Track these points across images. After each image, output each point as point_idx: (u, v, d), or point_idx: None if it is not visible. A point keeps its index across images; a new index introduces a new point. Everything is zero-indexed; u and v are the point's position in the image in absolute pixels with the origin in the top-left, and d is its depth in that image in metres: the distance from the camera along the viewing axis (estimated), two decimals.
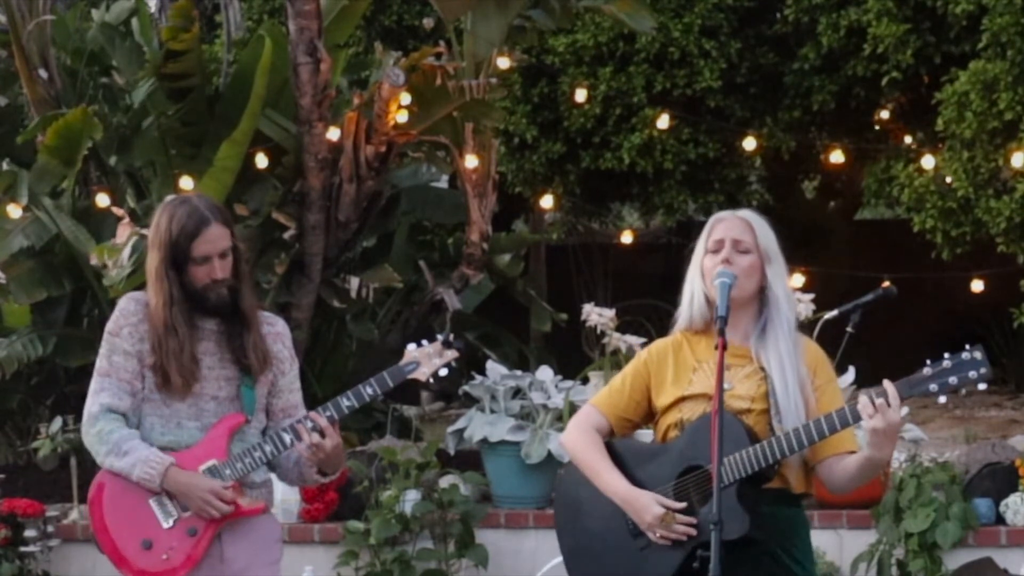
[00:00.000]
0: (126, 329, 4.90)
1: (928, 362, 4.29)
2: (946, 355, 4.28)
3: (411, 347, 5.06)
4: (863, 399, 4.30)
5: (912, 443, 7.91)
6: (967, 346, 4.28)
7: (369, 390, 4.93)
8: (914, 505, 7.44)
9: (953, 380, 4.25)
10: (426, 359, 5.02)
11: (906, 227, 11.53)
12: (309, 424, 4.88)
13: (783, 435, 4.37)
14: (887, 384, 4.29)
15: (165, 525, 4.87)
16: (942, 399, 4.33)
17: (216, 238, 4.87)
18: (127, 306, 4.94)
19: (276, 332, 5.04)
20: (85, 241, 9.71)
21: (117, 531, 4.89)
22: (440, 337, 5.06)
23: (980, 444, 8.36)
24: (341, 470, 5.09)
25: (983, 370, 4.24)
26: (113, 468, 4.87)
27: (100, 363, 4.93)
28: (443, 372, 5.05)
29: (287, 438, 4.90)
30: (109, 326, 4.94)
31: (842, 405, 4.46)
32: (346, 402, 4.92)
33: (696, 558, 4.36)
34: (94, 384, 4.94)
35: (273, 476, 5.13)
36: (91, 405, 4.92)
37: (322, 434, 4.86)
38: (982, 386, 4.28)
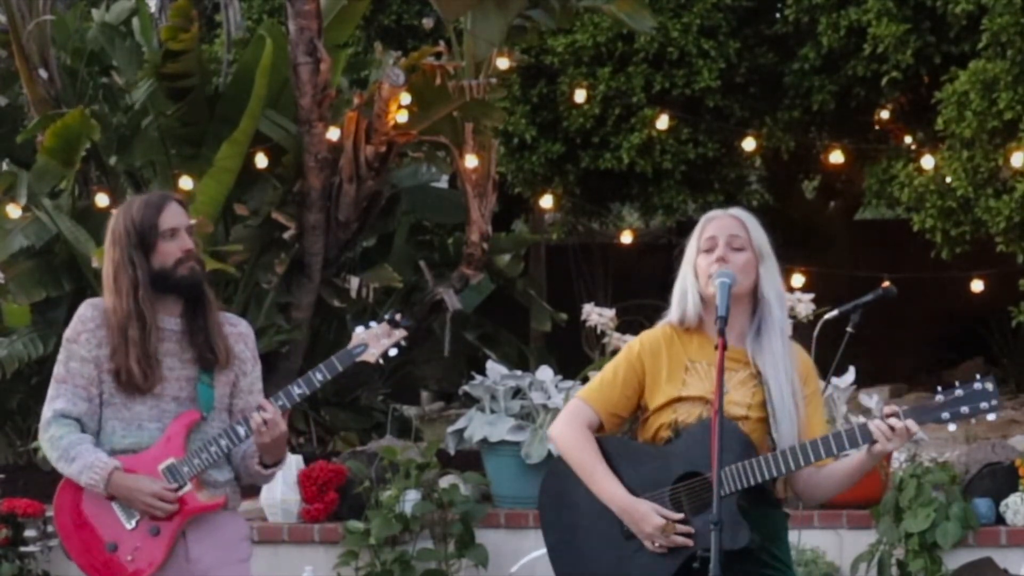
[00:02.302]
0: (84, 335, 4.85)
1: (939, 389, 4.34)
2: (957, 383, 4.33)
3: (359, 329, 4.96)
4: (878, 424, 4.31)
5: (912, 443, 7.89)
6: (978, 376, 4.32)
7: (319, 376, 4.87)
8: (914, 505, 7.43)
9: (965, 410, 4.32)
10: (374, 340, 4.93)
11: (906, 227, 11.52)
12: (259, 411, 4.82)
13: (788, 451, 4.35)
14: (897, 423, 4.30)
15: (128, 526, 4.84)
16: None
17: (180, 213, 4.87)
18: (85, 312, 4.89)
19: (239, 332, 4.98)
20: (85, 241, 9.71)
21: (84, 535, 4.87)
22: (387, 317, 4.97)
23: (980, 444, 8.34)
24: (282, 462, 4.99)
25: (994, 401, 4.31)
26: (64, 474, 4.85)
27: (57, 369, 4.88)
28: (393, 352, 4.95)
29: (241, 430, 4.85)
30: (67, 332, 4.89)
31: (823, 417, 4.53)
32: (297, 390, 4.87)
33: (691, 568, 4.34)
34: (50, 391, 4.89)
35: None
36: (45, 411, 4.87)
37: (266, 423, 4.80)
38: (991, 416, 4.34)
